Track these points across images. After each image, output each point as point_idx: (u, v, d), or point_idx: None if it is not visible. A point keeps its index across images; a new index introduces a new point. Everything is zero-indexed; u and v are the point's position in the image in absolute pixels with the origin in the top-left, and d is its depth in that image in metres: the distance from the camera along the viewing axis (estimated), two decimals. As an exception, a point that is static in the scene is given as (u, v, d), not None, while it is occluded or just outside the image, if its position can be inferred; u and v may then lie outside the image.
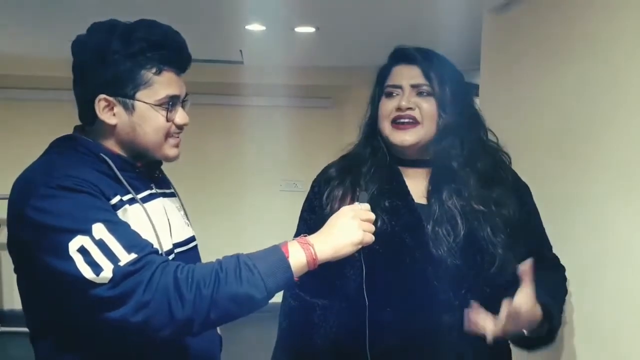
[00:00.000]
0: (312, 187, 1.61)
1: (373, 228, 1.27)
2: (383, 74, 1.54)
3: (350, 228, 1.23)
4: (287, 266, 1.15)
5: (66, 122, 1.35)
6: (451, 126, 1.46)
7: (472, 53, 2.87)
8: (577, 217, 1.81)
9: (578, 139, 1.83)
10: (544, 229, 1.62)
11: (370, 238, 1.25)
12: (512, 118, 2.35)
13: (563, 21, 1.97)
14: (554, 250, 1.65)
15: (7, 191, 1.23)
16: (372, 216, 1.28)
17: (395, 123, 1.48)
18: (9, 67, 4.57)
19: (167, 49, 1.27)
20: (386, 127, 1.49)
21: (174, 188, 1.45)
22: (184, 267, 1.13)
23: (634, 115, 1.55)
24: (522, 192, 1.55)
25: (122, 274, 1.08)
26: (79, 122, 1.33)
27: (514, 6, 2.37)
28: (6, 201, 1.22)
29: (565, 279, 1.64)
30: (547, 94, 2.05)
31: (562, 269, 1.65)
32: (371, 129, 1.55)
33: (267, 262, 1.15)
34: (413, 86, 1.47)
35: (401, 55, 1.52)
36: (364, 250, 1.26)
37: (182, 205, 1.45)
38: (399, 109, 1.46)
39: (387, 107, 1.49)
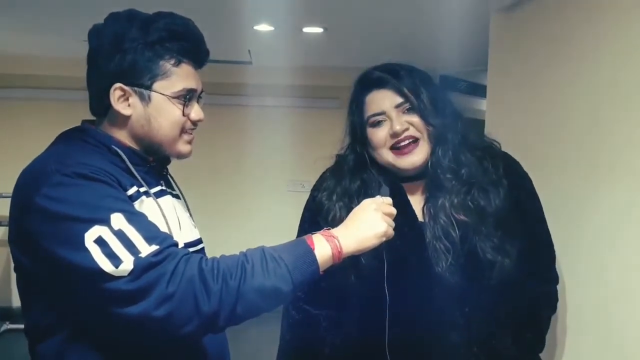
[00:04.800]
0: (313, 197, 1.58)
1: (393, 223, 1.24)
2: (358, 105, 1.49)
3: (373, 220, 1.20)
4: (314, 259, 1.12)
5: (72, 121, 1.29)
6: (442, 132, 1.44)
7: (480, 53, 2.86)
8: (585, 217, 1.81)
9: (587, 139, 1.83)
10: (544, 234, 1.56)
11: (392, 232, 1.23)
12: (519, 119, 2.34)
13: (571, 21, 1.96)
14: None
15: (11, 190, 1.17)
16: (394, 210, 1.26)
17: (396, 149, 1.44)
18: (12, 67, 4.60)
19: (187, 40, 1.23)
20: (387, 155, 1.46)
21: (179, 190, 1.41)
22: (207, 258, 1.09)
23: (642, 116, 1.55)
24: (517, 187, 1.49)
25: (143, 266, 1.02)
26: (84, 121, 1.28)
27: (521, 6, 2.36)
28: (9, 200, 1.16)
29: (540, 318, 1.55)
30: (555, 95, 2.05)
31: (546, 301, 1.56)
32: (355, 163, 1.51)
33: (293, 254, 1.11)
34: (397, 107, 1.44)
35: (369, 82, 1.48)
36: (385, 245, 1.24)
37: (188, 208, 1.42)
38: (395, 134, 1.43)
39: (379, 135, 1.45)
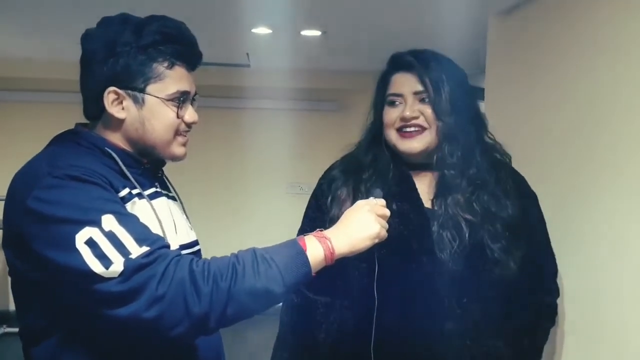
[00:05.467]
0: (319, 184, 1.61)
1: (387, 225, 1.24)
2: (383, 81, 1.54)
3: (366, 222, 1.20)
4: (306, 260, 1.11)
5: (67, 124, 1.30)
6: (452, 131, 1.45)
7: (478, 56, 2.87)
8: (584, 219, 1.81)
9: (584, 142, 1.83)
10: (547, 248, 1.58)
11: (385, 234, 1.23)
12: (517, 121, 2.34)
13: (568, 24, 1.96)
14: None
15: (4, 193, 1.17)
16: (387, 212, 1.26)
17: (402, 131, 1.48)
18: (8, 69, 4.59)
19: (180, 43, 1.24)
20: (392, 135, 1.50)
21: (175, 192, 1.42)
22: (199, 260, 1.09)
23: (640, 119, 1.55)
24: (525, 201, 1.53)
25: (133, 267, 1.02)
26: (78, 124, 1.29)
27: (519, 10, 2.37)
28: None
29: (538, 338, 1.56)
30: (553, 97, 2.05)
31: (545, 318, 1.57)
32: (373, 136, 1.55)
33: (284, 256, 1.11)
34: (415, 93, 1.47)
35: (399, 63, 1.51)
36: (378, 247, 1.24)
37: (185, 210, 1.42)
38: (403, 118, 1.46)
39: (391, 115, 1.49)
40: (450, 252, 1.41)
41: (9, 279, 1.20)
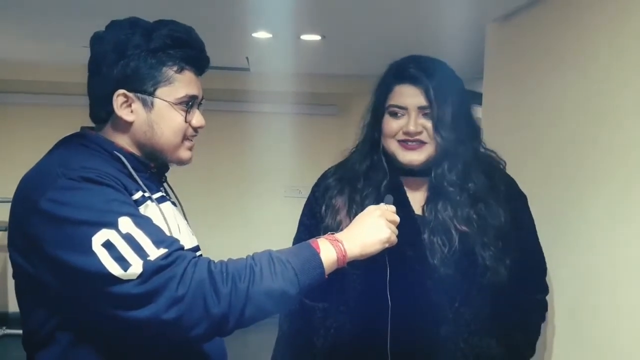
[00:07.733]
0: (313, 192, 1.62)
1: (397, 230, 1.26)
2: (385, 90, 1.51)
3: (377, 226, 1.22)
4: (319, 262, 1.13)
5: (71, 126, 1.29)
6: (452, 146, 1.46)
7: (476, 62, 2.88)
8: (579, 224, 1.82)
9: (581, 147, 1.84)
10: (537, 248, 1.60)
11: (395, 238, 1.25)
12: (514, 126, 2.36)
13: (565, 31, 1.98)
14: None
15: (8, 195, 1.17)
16: (397, 218, 1.27)
17: (403, 143, 1.48)
18: (11, 72, 4.60)
19: (189, 47, 1.25)
20: (393, 146, 1.49)
21: (177, 198, 1.42)
22: (216, 261, 1.10)
23: (638, 123, 1.56)
24: (515, 203, 1.55)
25: (152, 269, 1.02)
26: (84, 128, 1.28)
27: (516, 16, 2.39)
28: (8, 205, 1.15)
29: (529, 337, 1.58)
30: (550, 103, 2.07)
31: (535, 316, 1.59)
32: (371, 144, 1.54)
33: (299, 258, 1.12)
34: (419, 108, 1.46)
35: (403, 74, 1.49)
36: (388, 251, 1.26)
37: (185, 215, 1.42)
38: (407, 133, 1.46)
39: (393, 126, 1.48)
40: (440, 258, 1.43)
41: (9, 281, 1.20)
